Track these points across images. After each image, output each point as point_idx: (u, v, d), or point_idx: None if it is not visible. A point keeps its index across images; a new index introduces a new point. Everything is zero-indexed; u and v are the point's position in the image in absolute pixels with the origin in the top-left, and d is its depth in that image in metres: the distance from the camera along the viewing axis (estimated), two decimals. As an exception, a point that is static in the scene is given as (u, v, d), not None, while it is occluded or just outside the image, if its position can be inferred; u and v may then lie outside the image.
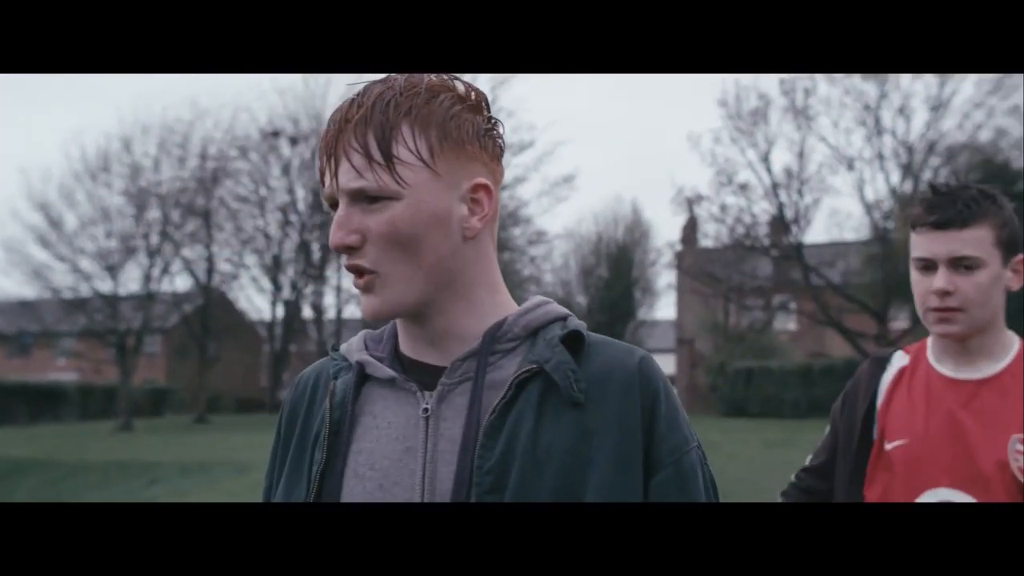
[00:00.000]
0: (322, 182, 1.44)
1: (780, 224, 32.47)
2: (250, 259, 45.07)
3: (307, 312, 47.66)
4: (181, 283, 44.17)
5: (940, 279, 2.26)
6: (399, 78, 1.43)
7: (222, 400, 50.01)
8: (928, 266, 2.30)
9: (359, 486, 1.42)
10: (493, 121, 1.48)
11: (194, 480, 17.74)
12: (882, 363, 2.52)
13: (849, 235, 34.10)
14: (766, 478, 15.50)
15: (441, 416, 1.42)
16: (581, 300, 52.76)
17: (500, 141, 1.50)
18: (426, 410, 1.43)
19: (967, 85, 38.70)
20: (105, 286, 39.70)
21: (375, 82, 1.44)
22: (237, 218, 43.67)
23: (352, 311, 48.55)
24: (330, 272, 45.30)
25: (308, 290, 46.20)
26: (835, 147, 32.15)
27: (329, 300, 46.68)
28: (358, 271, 1.42)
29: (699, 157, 54.81)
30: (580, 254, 52.44)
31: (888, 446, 2.37)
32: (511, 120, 57.13)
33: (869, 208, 31.50)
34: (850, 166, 31.37)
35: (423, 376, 1.46)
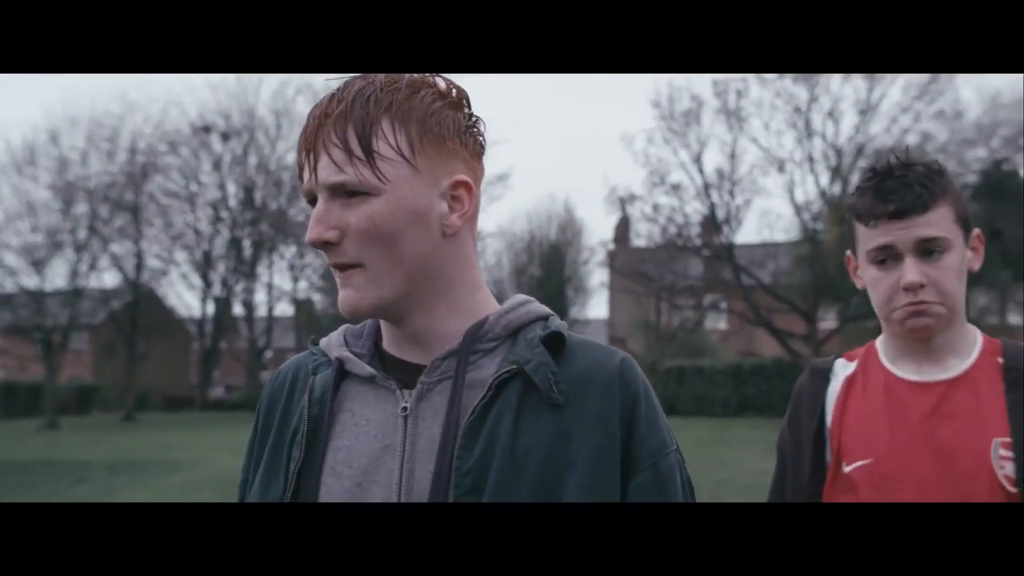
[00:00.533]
0: (300, 177, 1.42)
1: (712, 224, 32.78)
2: (180, 255, 44.70)
3: (238, 309, 47.29)
4: (109, 279, 43.61)
5: (911, 271, 2.01)
6: (379, 75, 1.42)
7: (151, 398, 49.36)
8: (890, 258, 2.05)
9: (337, 484, 1.41)
10: (474, 118, 1.47)
11: (122, 479, 17.47)
12: (824, 374, 2.23)
13: (779, 236, 34.56)
14: (698, 476, 15.66)
15: (420, 415, 1.41)
16: (514, 298, 52.83)
17: (481, 138, 1.49)
18: (405, 409, 1.42)
19: (895, 90, 39.40)
20: (31, 282, 39.03)
21: (355, 77, 1.43)
22: (167, 214, 43.23)
23: (283, 309, 48.23)
24: (261, 269, 44.98)
25: (239, 287, 45.85)
26: (766, 149, 32.69)
27: (260, 297, 46.44)
28: (340, 266, 1.41)
29: (632, 157, 55.32)
30: (513, 252, 52.54)
31: (847, 468, 2.09)
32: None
33: (799, 209, 31.90)
34: (781, 168, 31.77)
35: (403, 374, 1.45)
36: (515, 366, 1.40)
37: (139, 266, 42.48)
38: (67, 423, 36.72)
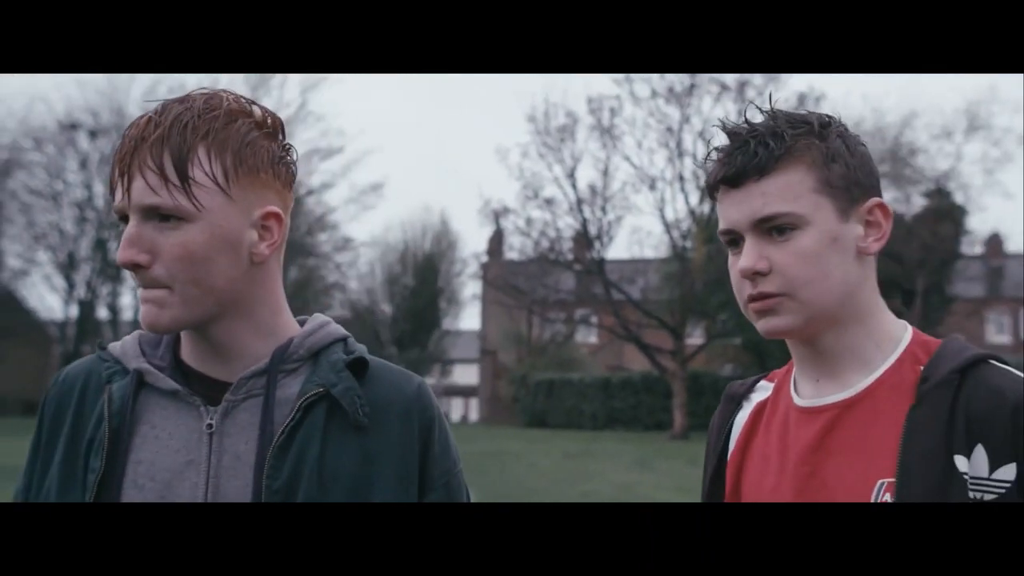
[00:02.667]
0: (112, 195, 1.43)
1: (584, 239, 33.11)
2: (43, 256, 43.30)
3: (102, 312, 46.04)
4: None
5: (744, 254, 1.57)
6: (198, 99, 1.44)
7: (8, 402, 47.69)
8: (734, 241, 1.62)
9: (139, 496, 1.42)
10: (287, 147, 1.51)
11: (-25, 485, 16.88)
12: (735, 401, 1.81)
13: (649, 252, 35.06)
14: (564, 488, 15.80)
15: (225, 432, 1.45)
16: (386, 308, 52.55)
17: (293, 168, 1.53)
18: (210, 426, 1.44)
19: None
20: None
21: (173, 101, 1.45)
22: (29, 212, 41.87)
23: (150, 313, 47.10)
24: (127, 272, 43.89)
25: (104, 290, 44.63)
26: (639, 167, 33.04)
27: (126, 300, 45.21)
28: (147, 284, 1.42)
29: (507, 170, 55.56)
30: (386, 262, 52.34)
31: None
32: (320, 124, 56.37)
33: (669, 227, 32.41)
34: (652, 186, 32.24)
35: (206, 389, 1.48)
36: (322, 389, 1.46)
37: (-2, 266, 41.12)
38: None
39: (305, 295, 41.76)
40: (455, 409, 56.76)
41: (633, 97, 32.58)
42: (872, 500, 1.50)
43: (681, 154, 31.70)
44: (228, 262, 1.43)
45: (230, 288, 1.44)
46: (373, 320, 50.62)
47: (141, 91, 45.93)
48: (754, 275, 1.56)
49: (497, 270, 39.37)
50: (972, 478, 1.44)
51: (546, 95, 59.26)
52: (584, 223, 32.73)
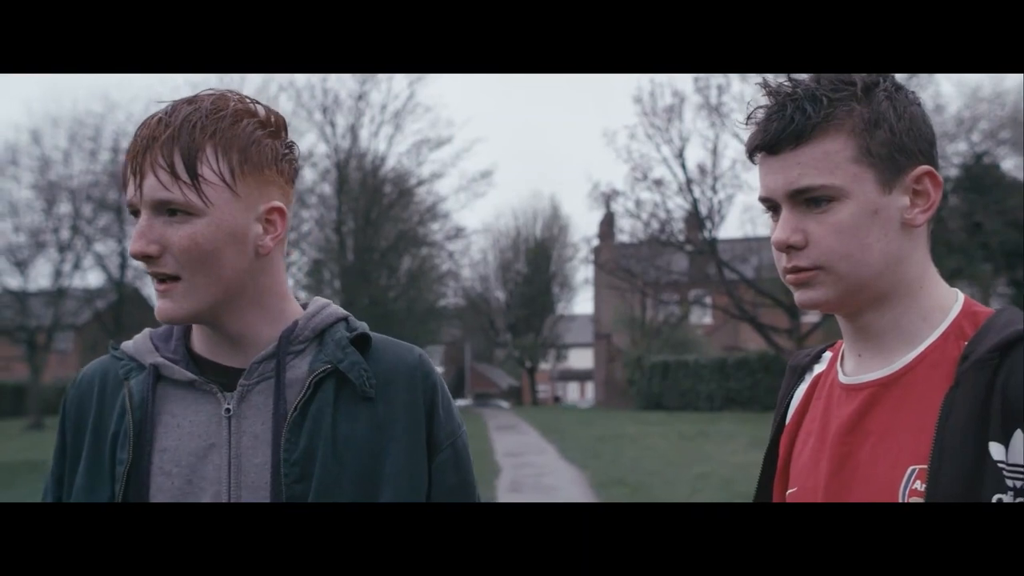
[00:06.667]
0: (124, 191, 1.53)
1: (695, 220, 32.80)
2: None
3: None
4: (93, 279, 43.36)
5: (780, 226, 1.51)
6: (206, 99, 1.54)
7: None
8: (772, 208, 1.55)
9: (167, 482, 1.53)
10: (290, 145, 1.61)
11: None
12: (798, 372, 1.74)
13: (762, 231, 34.56)
14: (680, 470, 15.72)
15: (242, 415, 1.56)
16: (500, 295, 52.87)
17: (296, 164, 1.63)
18: (228, 410, 1.56)
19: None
20: (14, 282, 38.79)
21: (182, 102, 1.54)
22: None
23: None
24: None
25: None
26: (748, 144, 32.55)
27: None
28: (160, 277, 1.52)
29: (615, 153, 55.32)
30: (498, 249, 52.65)
31: (788, 492, 1.65)
32: (429, 115, 56.88)
33: (781, 204, 31.91)
34: (763, 163, 31.77)
35: (220, 377, 1.59)
36: (330, 365, 1.57)
37: (123, 265, 42.22)
38: (52, 424, 36.43)
39: (419, 284, 42.20)
40: (571, 393, 56.78)
41: (740, 74, 32.15)
42: (902, 487, 1.42)
43: (792, 129, 31.15)
44: (234, 254, 1.53)
45: (237, 279, 1.55)
46: (487, 307, 50.97)
47: (252, 90, 46.92)
48: (788, 248, 1.50)
49: (609, 253, 39.24)
50: (1009, 466, 1.34)
51: (652, 76, 58.82)
52: (694, 203, 32.43)
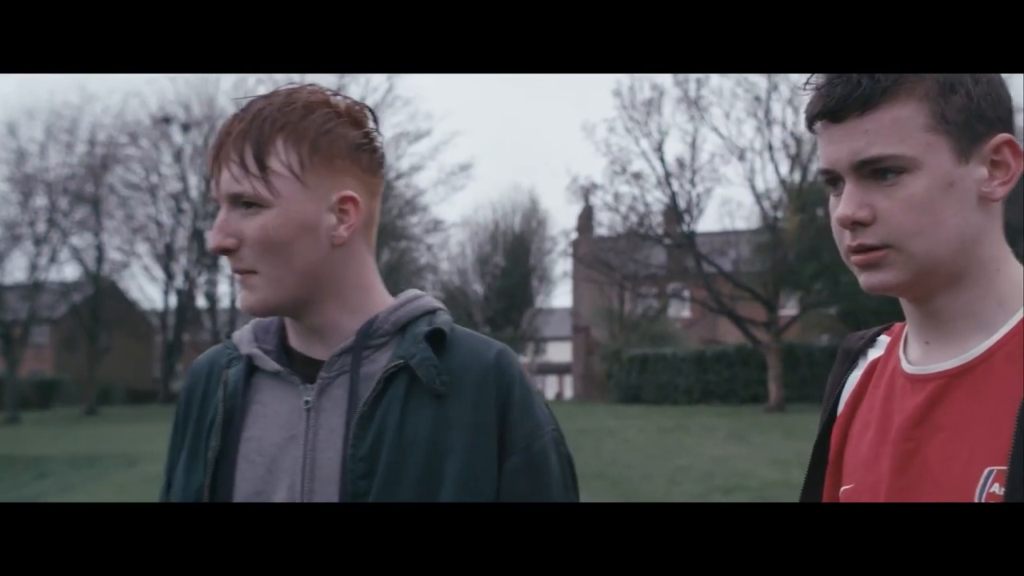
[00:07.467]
0: (208, 187, 1.54)
1: (673, 213, 32.89)
2: (141, 247, 44.33)
3: (200, 301, 47.00)
4: (70, 272, 43.20)
5: (844, 201, 1.34)
6: (281, 93, 1.57)
7: (113, 391, 49.00)
8: (834, 181, 1.38)
9: (250, 469, 1.56)
10: (369, 134, 1.60)
11: (83, 473, 17.35)
12: (851, 357, 1.58)
13: (740, 224, 34.80)
14: (658, 463, 15.78)
15: (321, 408, 1.56)
16: (478, 288, 52.83)
17: (378, 154, 1.62)
18: (307, 402, 1.57)
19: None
20: (-10, 275, 38.59)
21: (259, 97, 1.58)
22: (128, 206, 42.91)
23: (247, 300, 47.90)
24: (224, 260, 44.68)
25: (201, 279, 45.56)
26: (726, 137, 32.75)
27: (223, 289, 46.11)
28: (239, 270, 1.55)
29: (593, 146, 55.35)
30: (477, 242, 52.57)
31: (842, 489, 1.49)
32: (408, 108, 56.79)
33: (759, 197, 32.03)
34: (741, 156, 31.87)
35: (307, 368, 1.60)
36: (401, 361, 1.55)
37: (100, 259, 42.14)
38: (28, 417, 36.44)
39: (397, 277, 42.15)
40: (549, 387, 56.87)
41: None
42: (978, 490, 1.26)
43: (770, 123, 31.28)
44: (307, 245, 1.54)
45: (312, 270, 1.55)
46: (466, 300, 50.92)
47: (230, 83, 46.77)
48: (854, 224, 1.33)
49: (587, 247, 39.26)
50: None
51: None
52: (673, 196, 32.50)
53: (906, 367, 1.41)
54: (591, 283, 39.64)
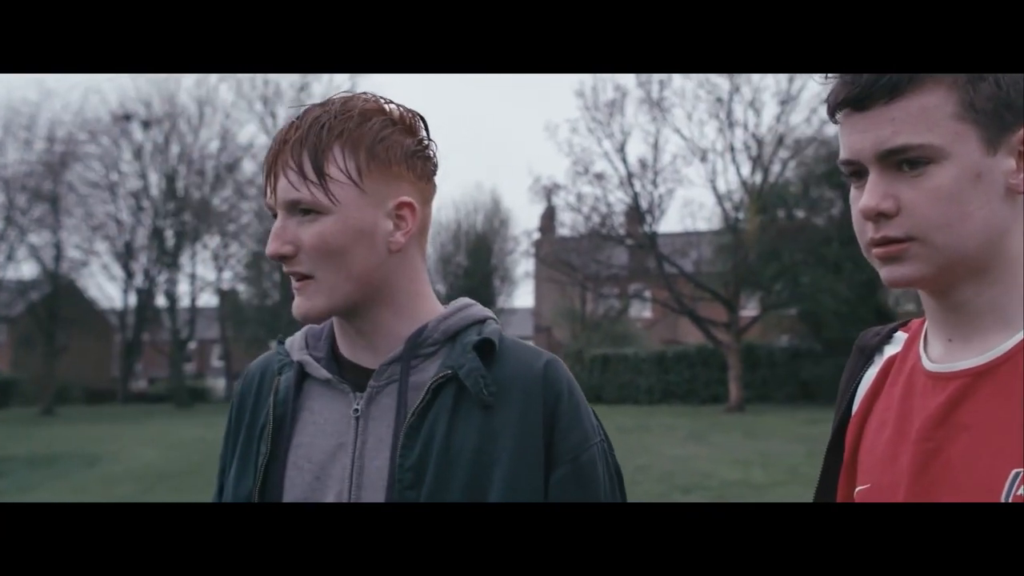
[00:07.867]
0: (264, 194, 1.58)
1: (635, 214, 32.98)
2: (100, 246, 43.90)
3: (161, 300, 46.61)
4: (27, 270, 42.74)
5: (868, 192, 1.30)
6: (337, 102, 1.57)
7: (71, 391, 48.44)
8: (856, 172, 1.34)
9: (299, 476, 1.58)
10: (425, 143, 1.62)
11: (42, 473, 17.17)
12: (867, 354, 1.54)
13: (702, 225, 34.95)
14: (620, 463, 15.79)
15: (369, 416, 1.57)
16: (440, 288, 52.69)
17: (431, 161, 1.63)
18: (356, 411, 1.58)
19: (814, 82, 39.86)
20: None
21: (315, 105, 1.59)
22: (87, 203, 42.45)
23: (206, 299, 47.66)
24: (184, 259, 44.37)
25: (161, 278, 45.16)
26: (689, 139, 32.98)
27: (184, 288, 45.78)
28: (296, 276, 1.56)
29: (556, 147, 55.43)
30: (439, 242, 52.40)
31: (858, 489, 1.45)
32: (370, 107, 56.53)
33: (721, 199, 32.20)
34: (703, 157, 32.02)
35: (357, 376, 1.61)
36: (450, 371, 1.55)
37: (58, 257, 41.68)
38: (-15, 417, 35.97)
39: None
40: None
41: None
42: (1005, 492, 1.22)
43: (732, 124, 31.46)
44: (364, 251, 1.55)
45: (368, 276, 1.56)
46: (427, 300, 50.62)
47: (192, 80, 46.44)
48: (878, 216, 1.29)
49: (549, 247, 39.31)
50: None
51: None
52: (635, 197, 32.60)
53: (927, 364, 1.37)
54: (553, 283, 39.70)
